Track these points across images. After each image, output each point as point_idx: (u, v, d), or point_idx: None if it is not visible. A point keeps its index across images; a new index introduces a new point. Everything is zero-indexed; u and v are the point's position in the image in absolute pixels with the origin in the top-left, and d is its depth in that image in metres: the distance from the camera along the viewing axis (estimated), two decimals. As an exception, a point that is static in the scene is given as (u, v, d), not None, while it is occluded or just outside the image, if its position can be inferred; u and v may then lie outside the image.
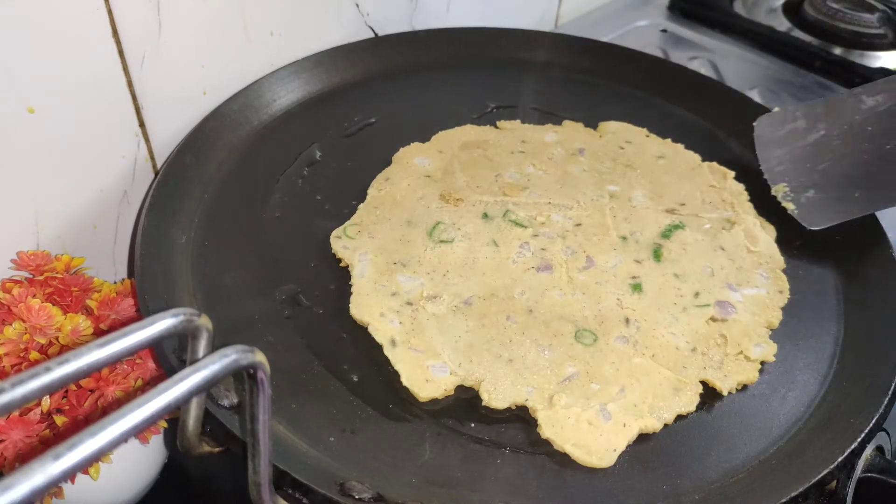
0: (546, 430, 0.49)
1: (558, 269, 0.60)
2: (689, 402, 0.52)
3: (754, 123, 0.70)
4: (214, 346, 0.32)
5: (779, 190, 0.63)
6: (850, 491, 0.47)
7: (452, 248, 0.61)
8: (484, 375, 0.52)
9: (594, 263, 0.61)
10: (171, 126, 0.66)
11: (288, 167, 0.68)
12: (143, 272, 0.54)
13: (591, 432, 0.49)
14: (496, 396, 0.51)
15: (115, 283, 0.57)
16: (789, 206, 0.64)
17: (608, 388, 0.52)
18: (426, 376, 0.51)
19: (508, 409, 0.51)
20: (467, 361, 0.52)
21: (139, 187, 0.66)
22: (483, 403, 0.51)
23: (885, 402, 0.50)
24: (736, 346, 0.55)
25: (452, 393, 0.51)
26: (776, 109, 0.70)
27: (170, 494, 0.60)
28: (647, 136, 0.76)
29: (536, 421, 0.50)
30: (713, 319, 0.57)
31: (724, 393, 0.53)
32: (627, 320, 0.56)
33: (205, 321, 0.33)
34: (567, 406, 0.50)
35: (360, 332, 0.55)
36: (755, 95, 0.93)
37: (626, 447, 0.49)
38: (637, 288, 0.59)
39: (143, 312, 0.52)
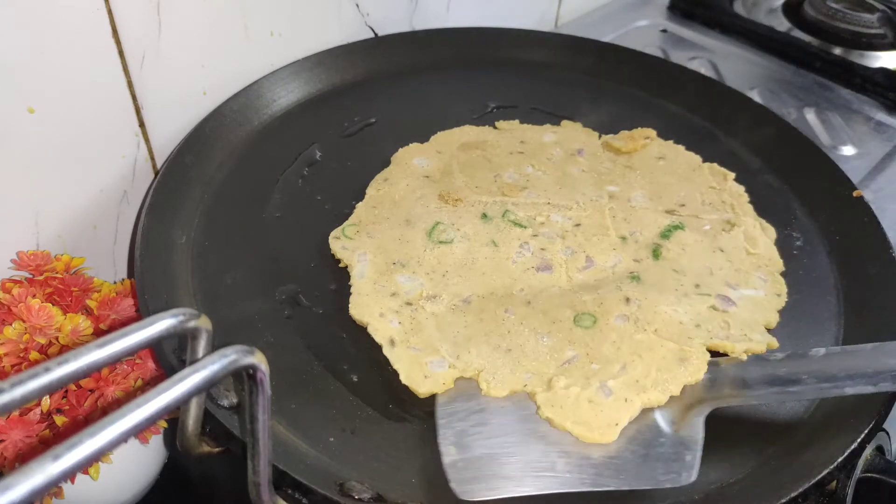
0: (545, 411, 0.48)
1: (558, 269, 0.60)
2: (695, 370, 0.51)
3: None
4: (214, 346, 0.32)
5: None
6: (850, 491, 0.47)
7: (452, 249, 0.61)
8: (483, 366, 0.51)
9: (594, 263, 0.60)
10: (171, 126, 0.66)
11: (288, 167, 0.68)
12: (143, 272, 0.54)
13: (592, 409, 0.48)
14: (495, 385, 0.50)
15: (115, 283, 0.57)
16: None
17: (609, 367, 0.51)
18: (424, 373, 0.51)
19: (508, 408, 0.50)
20: (465, 353, 0.52)
21: (139, 187, 0.66)
22: (482, 393, 0.50)
23: (885, 402, 0.50)
24: (739, 330, 0.55)
25: (452, 386, 0.51)
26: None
27: (170, 494, 0.60)
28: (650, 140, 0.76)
29: (536, 405, 0.49)
30: (714, 308, 0.57)
31: (739, 355, 0.52)
32: (628, 300, 0.56)
33: (204, 321, 0.33)
34: (566, 387, 0.49)
35: (360, 332, 0.55)
36: (755, 95, 0.93)
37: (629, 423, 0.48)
38: (636, 278, 0.59)
39: (142, 312, 0.52)
